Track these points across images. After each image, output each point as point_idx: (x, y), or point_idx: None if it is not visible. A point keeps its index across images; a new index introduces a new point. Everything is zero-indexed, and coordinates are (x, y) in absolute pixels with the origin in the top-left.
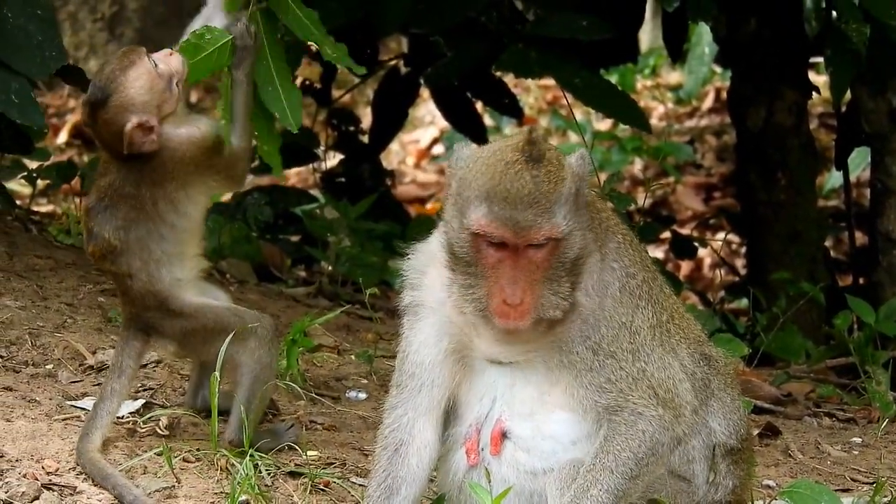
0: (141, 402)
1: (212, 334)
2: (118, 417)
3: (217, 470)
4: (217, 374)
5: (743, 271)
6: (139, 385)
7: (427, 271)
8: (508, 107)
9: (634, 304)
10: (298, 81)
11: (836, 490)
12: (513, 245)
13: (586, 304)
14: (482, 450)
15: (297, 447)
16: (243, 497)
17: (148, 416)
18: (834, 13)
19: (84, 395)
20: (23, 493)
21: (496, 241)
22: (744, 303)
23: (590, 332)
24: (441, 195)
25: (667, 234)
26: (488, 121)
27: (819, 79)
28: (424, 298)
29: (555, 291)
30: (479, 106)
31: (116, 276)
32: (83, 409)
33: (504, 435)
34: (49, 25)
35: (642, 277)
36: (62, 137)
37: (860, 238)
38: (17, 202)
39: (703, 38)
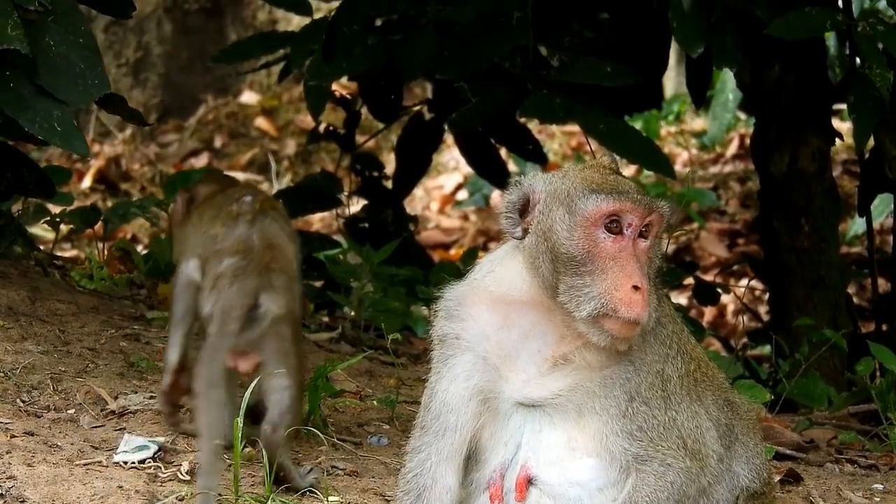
0: (161, 440)
1: None
2: (139, 462)
3: None
4: (240, 419)
5: (766, 317)
6: (160, 430)
7: (469, 304)
8: (532, 153)
9: (665, 354)
10: (322, 127)
11: None
12: (631, 229)
13: (634, 346)
14: (506, 495)
15: (317, 492)
16: None
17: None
18: (858, 59)
19: (104, 441)
20: None
21: (615, 223)
22: (767, 349)
23: (632, 375)
24: (466, 241)
25: (690, 281)
26: (512, 167)
27: (842, 125)
28: (462, 332)
29: (652, 294)
30: (502, 152)
31: None
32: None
33: (530, 481)
34: (91, 53)
35: (672, 329)
36: (86, 182)
37: (883, 285)
38: (41, 247)
39: (728, 84)
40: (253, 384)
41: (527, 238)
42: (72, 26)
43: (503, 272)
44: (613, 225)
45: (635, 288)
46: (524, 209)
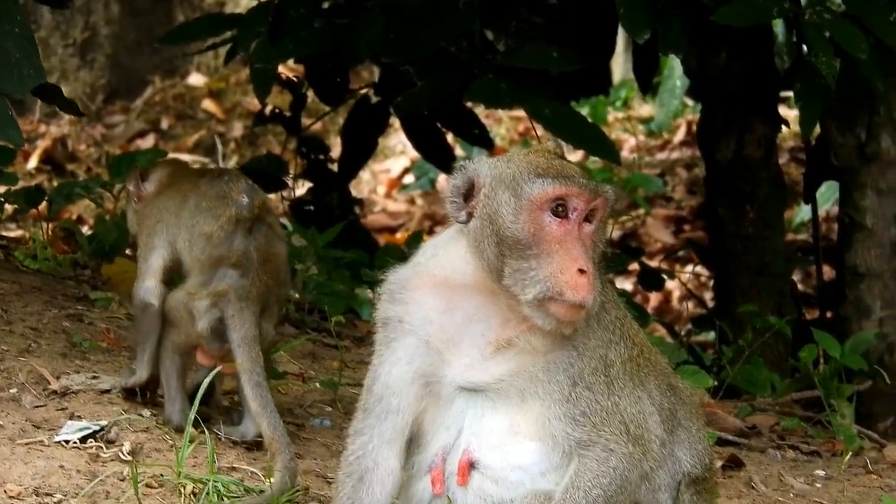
0: (103, 423)
1: None
2: (80, 441)
3: (180, 496)
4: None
5: (710, 304)
6: (102, 410)
7: (413, 288)
8: (479, 137)
9: (608, 339)
10: (268, 109)
11: None
12: (577, 213)
13: (578, 331)
14: (448, 479)
15: (258, 473)
16: None
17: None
18: (805, 47)
19: (46, 420)
20: None
21: (561, 207)
22: (711, 335)
23: (575, 360)
24: (412, 224)
25: (635, 266)
26: (458, 151)
27: (789, 112)
28: (405, 315)
29: (597, 278)
30: (449, 136)
31: None
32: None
33: (472, 465)
34: (27, 43)
35: (615, 314)
36: (32, 163)
37: (827, 272)
38: None
39: (675, 70)
40: (213, 373)
41: (472, 222)
42: (8, 16)
43: (447, 256)
44: (559, 209)
45: (581, 271)
46: (469, 193)
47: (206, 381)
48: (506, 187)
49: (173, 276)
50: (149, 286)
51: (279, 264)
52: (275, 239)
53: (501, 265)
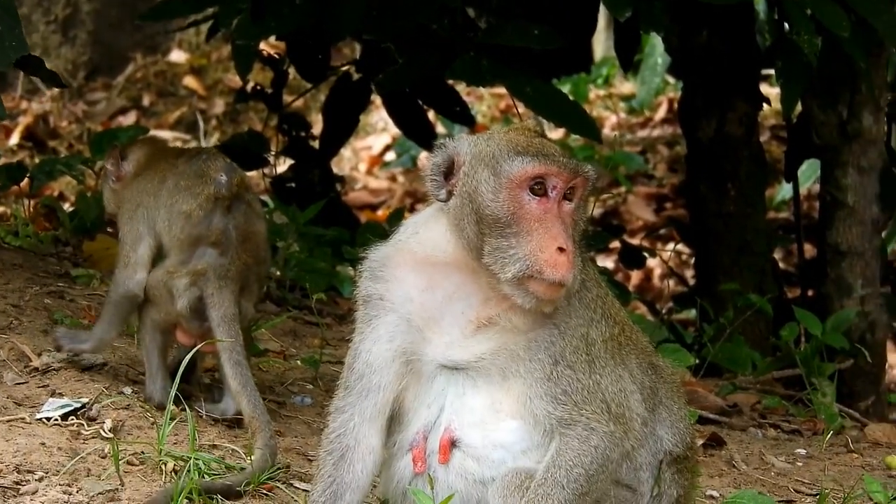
0: (84, 400)
1: None
2: (61, 418)
3: (161, 474)
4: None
5: (692, 282)
6: (84, 387)
7: (393, 265)
8: (460, 115)
9: (590, 317)
10: (249, 86)
11: (779, 501)
12: (556, 191)
13: (558, 309)
14: (429, 457)
15: (239, 451)
16: (186, 501)
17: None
18: (786, 25)
19: (27, 397)
20: None
21: (539, 185)
22: (692, 313)
23: (556, 339)
24: (393, 202)
25: (617, 244)
26: (440, 128)
27: (771, 91)
28: (386, 293)
29: (577, 256)
30: (430, 114)
31: None
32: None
33: (453, 443)
34: (9, 15)
35: (596, 293)
36: (13, 139)
37: (809, 250)
38: None
39: (657, 48)
40: (193, 351)
41: (451, 200)
42: None
43: (428, 234)
44: (538, 187)
45: (560, 250)
46: (449, 171)
47: (186, 359)
48: (485, 165)
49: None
50: (139, 279)
51: (259, 242)
52: (254, 217)
53: (481, 243)
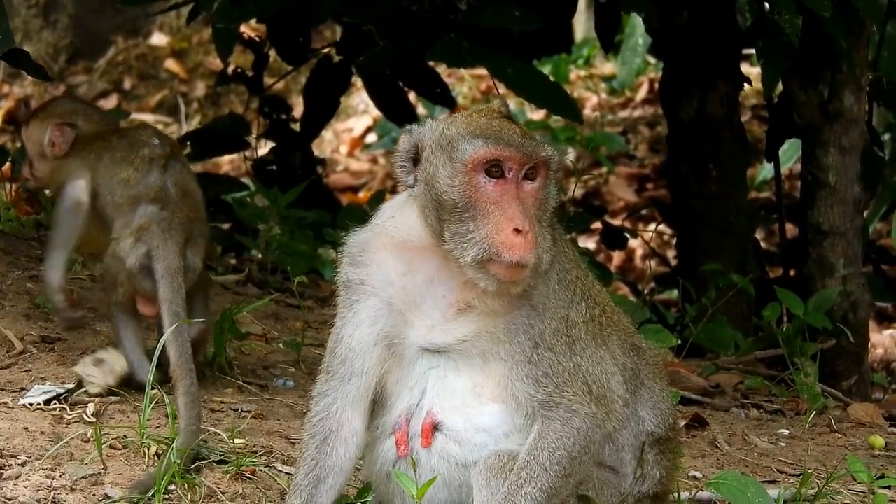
0: (68, 386)
1: None
2: (45, 404)
3: (144, 457)
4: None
5: (674, 262)
6: (67, 373)
7: (373, 250)
8: (441, 96)
9: (570, 299)
10: (230, 69)
11: (762, 482)
12: (513, 172)
13: (536, 291)
14: (412, 440)
15: (222, 434)
16: (169, 485)
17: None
18: (767, 5)
19: (10, 382)
20: None
21: (495, 167)
22: (674, 294)
23: (535, 321)
24: (374, 184)
25: (598, 225)
26: (421, 110)
27: (751, 70)
28: (367, 277)
29: (544, 236)
30: (412, 96)
31: None
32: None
33: (435, 427)
34: None
35: (576, 274)
36: None
37: (791, 230)
38: None
39: (637, 28)
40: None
41: (416, 187)
42: None
43: (403, 219)
44: (494, 169)
45: (517, 231)
46: (416, 157)
47: (161, 342)
48: (443, 150)
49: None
50: (81, 186)
51: (197, 200)
52: (189, 177)
53: (442, 229)
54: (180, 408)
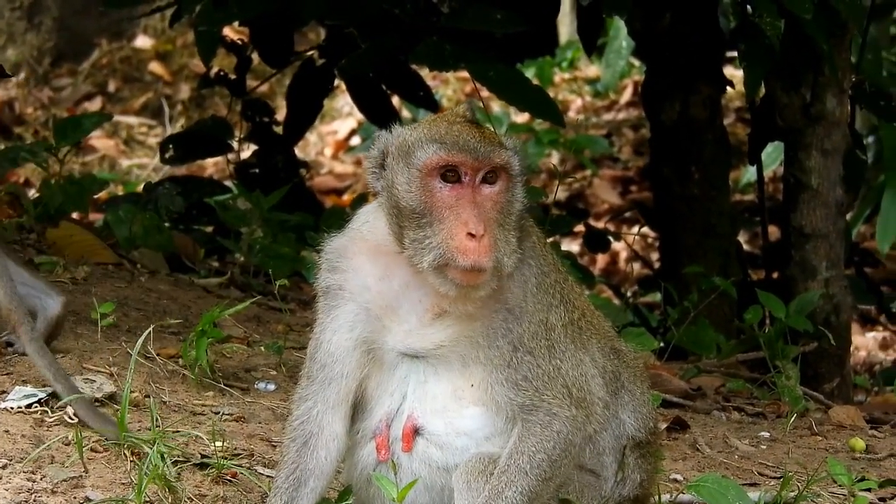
0: (49, 389)
1: None
2: (26, 407)
3: (125, 460)
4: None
5: (657, 265)
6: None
7: (350, 255)
8: (424, 99)
9: (549, 303)
10: (213, 72)
11: (743, 484)
12: (469, 176)
13: (513, 294)
14: (392, 444)
15: (203, 437)
16: (151, 487)
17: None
18: (749, 7)
19: None
20: None
21: (451, 172)
22: (657, 296)
23: (513, 325)
24: (358, 186)
25: (581, 228)
26: (405, 113)
27: (734, 73)
28: (345, 283)
29: (507, 240)
30: (395, 99)
31: None
32: None
33: (416, 431)
34: None
35: (554, 278)
36: None
37: (773, 232)
38: None
39: (621, 31)
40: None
41: (381, 193)
42: None
43: (377, 224)
44: (450, 174)
45: (471, 235)
46: (384, 163)
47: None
48: (401, 156)
49: None
50: None
51: None
52: None
53: (401, 235)
54: (32, 356)
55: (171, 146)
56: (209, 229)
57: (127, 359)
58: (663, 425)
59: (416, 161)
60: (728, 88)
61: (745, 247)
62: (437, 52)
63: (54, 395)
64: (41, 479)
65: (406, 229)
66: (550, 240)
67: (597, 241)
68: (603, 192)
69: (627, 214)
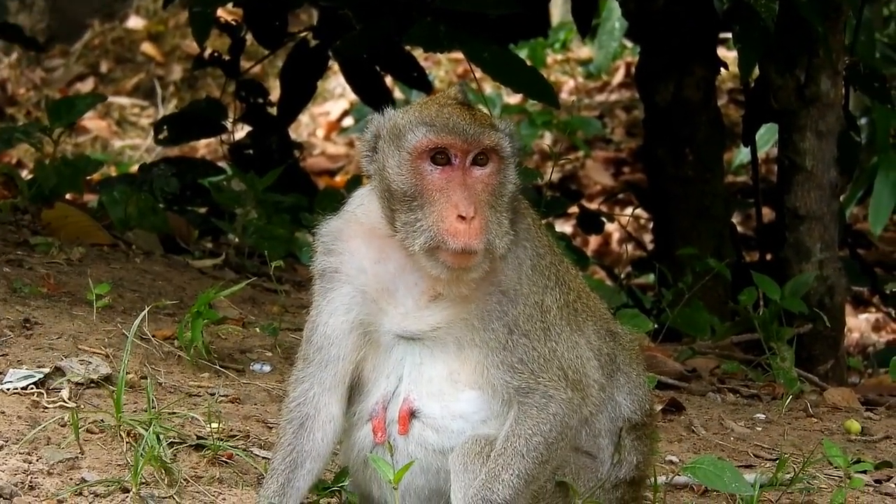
0: (46, 371)
1: None
2: (22, 388)
3: (121, 441)
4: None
5: (651, 246)
6: (44, 356)
7: (345, 238)
8: (417, 80)
9: (544, 285)
10: (207, 53)
11: (738, 466)
12: (459, 158)
13: (507, 277)
14: (389, 427)
15: (199, 418)
16: (147, 469)
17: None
18: None
19: None
20: None
21: (440, 155)
22: (651, 278)
23: (508, 308)
24: (351, 167)
25: (575, 209)
26: (398, 94)
27: (728, 55)
28: (341, 265)
29: (499, 221)
30: (388, 79)
31: None
32: None
33: (412, 414)
34: None
35: (550, 259)
36: None
37: (767, 214)
38: None
39: (614, 12)
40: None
41: (373, 176)
42: None
43: (372, 206)
44: (440, 157)
45: (462, 217)
46: (376, 147)
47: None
48: (392, 139)
49: None
50: None
51: None
52: None
53: (393, 218)
54: None
55: (164, 127)
56: (203, 210)
57: (122, 340)
58: (659, 407)
59: (406, 144)
60: (722, 70)
61: (739, 228)
62: (432, 33)
63: (50, 377)
64: (37, 461)
65: (398, 212)
66: (544, 221)
67: (590, 223)
68: (596, 174)
69: (621, 196)
